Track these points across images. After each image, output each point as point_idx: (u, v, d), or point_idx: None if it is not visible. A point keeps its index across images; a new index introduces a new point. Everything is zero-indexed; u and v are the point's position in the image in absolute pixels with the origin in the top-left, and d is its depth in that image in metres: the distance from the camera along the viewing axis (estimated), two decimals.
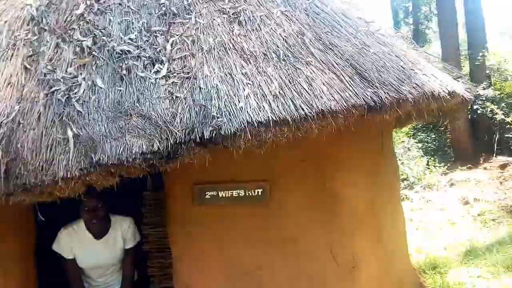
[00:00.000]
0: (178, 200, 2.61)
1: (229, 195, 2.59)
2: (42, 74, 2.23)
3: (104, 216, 2.57)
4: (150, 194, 2.83)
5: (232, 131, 2.01)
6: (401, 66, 2.66)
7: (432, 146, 10.62)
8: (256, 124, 2.03)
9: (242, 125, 2.02)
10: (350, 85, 2.32)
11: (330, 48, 2.59)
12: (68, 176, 1.93)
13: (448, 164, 9.38)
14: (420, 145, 9.98)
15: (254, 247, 2.64)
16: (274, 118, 2.06)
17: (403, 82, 2.48)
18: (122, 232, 2.68)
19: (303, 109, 2.12)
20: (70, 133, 2.02)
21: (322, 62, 2.45)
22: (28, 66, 2.28)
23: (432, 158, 9.07)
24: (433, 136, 11.07)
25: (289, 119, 2.07)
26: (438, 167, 8.67)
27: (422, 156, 9.09)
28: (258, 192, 2.61)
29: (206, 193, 2.57)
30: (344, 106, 2.18)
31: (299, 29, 2.69)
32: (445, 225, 6.31)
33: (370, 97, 2.28)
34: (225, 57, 2.37)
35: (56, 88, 2.16)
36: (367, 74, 2.43)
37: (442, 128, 11.33)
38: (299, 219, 2.67)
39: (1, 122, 2.06)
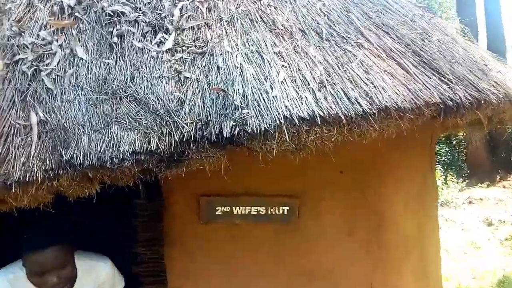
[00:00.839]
0: (179, 215, 2.02)
1: (246, 213, 1.99)
2: (5, 38, 1.64)
3: (72, 277, 1.58)
4: (143, 204, 2.25)
5: (262, 128, 1.42)
6: (472, 59, 2.09)
7: (445, 160, 10.04)
8: (296, 121, 1.44)
9: (277, 121, 1.43)
10: (417, 77, 1.74)
11: (384, 31, 2.01)
12: (28, 178, 1.34)
13: (461, 180, 8.83)
14: None
15: (274, 281, 2.05)
16: (321, 114, 1.47)
17: (480, 79, 1.91)
18: (99, 285, 1.77)
19: (360, 104, 1.53)
20: (34, 119, 1.43)
21: (378, 46, 1.87)
22: None
23: (451, 173, 8.49)
24: (446, 149, 10.49)
25: (342, 116, 1.49)
26: (456, 183, 8.09)
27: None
28: (283, 210, 2.02)
29: (217, 208, 1.97)
30: (415, 103, 1.60)
31: (342, 4, 2.11)
32: (469, 248, 5.73)
33: (446, 93, 1.70)
34: (251, 31, 1.79)
35: (21, 56, 1.57)
36: (436, 65, 1.85)
37: (455, 142, 10.78)
38: (333, 247, 2.08)
39: None
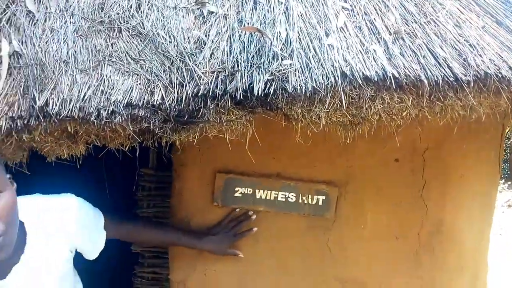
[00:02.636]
0: (190, 192, 1.65)
1: (272, 198, 1.60)
2: None
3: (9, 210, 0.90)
4: (150, 173, 1.91)
5: (309, 86, 1.01)
6: None
7: None
8: (360, 81, 1.01)
9: (332, 79, 1.01)
10: None
11: None
12: None
13: (503, 181, 8.15)
14: None
15: (297, 285, 1.67)
16: (396, 74, 1.03)
17: None
18: (65, 238, 1.10)
19: (450, 68, 1.08)
20: (5, 48, 1.07)
21: None
22: None
23: None
24: None
25: (425, 81, 1.05)
26: None
27: None
28: (318, 200, 1.62)
29: (236, 188, 1.59)
30: None
31: None
32: (508, 254, 5.22)
33: None
34: None
35: None
36: None
37: None
38: (376, 253, 1.67)
39: None
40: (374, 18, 1.17)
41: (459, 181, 1.74)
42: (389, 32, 1.14)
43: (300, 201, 1.63)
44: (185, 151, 1.56)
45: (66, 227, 1.08)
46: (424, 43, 1.13)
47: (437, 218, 1.70)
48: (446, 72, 1.06)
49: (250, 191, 1.61)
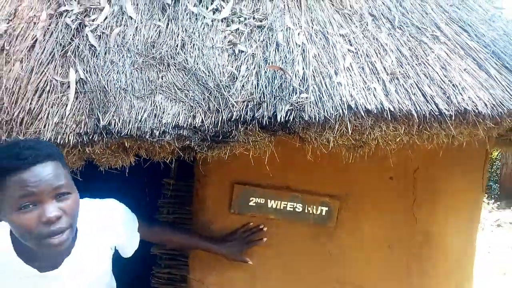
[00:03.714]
0: (210, 200, 1.87)
1: (282, 208, 1.83)
2: None
3: (76, 212, 1.05)
4: (172, 183, 2.13)
5: (322, 116, 1.25)
6: None
7: None
8: (362, 113, 1.26)
9: (340, 111, 1.26)
10: (499, 81, 1.52)
11: (461, 27, 1.78)
12: (59, 140, 1.23)
13: (492, 201, 8.41)
14: None
15: (301, 286, 1.88)
16: (391, 108, 1.28)
17: None
18: (111, 236, 1.26)
19: (436, 103, 1.33)
20: (73, 76, 1.31)
21: (455, 41, 1.65)
22: None
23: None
24: None
25: (415, 114, 1.29)
26: (486, 203, 7.70)
27: None
28: (322, 210, 1.84)
29: (251, 198, 1.82)
30: (497, 110, 1.38)
31: None
32: (494, 272, 5.42)
33: None
34: (316, 8, 1.61)
35: (66, 8, 1.45)
36: None
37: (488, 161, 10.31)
38: (371, 260, 1.89)
39: None
40: (375, 60, 1.42)
41: (445, 197, 1.97)
42: (387, 72, 1.39)
43: (306, 211, 1.85)
44: (207, 163, 1.79)
45: (114, 226, 1.25)
46: (415, 82, 1.38)
47: (426, 229, 1.93)
48: (432, 108, 1.31)
49: (262, 201, 1.83)
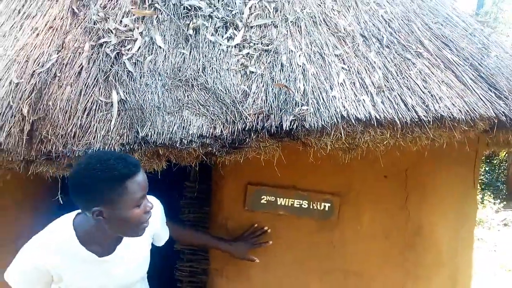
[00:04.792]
0: (226, 199, 2.14)
1: (289, 204, 2.09)
2: (91, 22, 1.82)
3: None
4: (193, 186, 2.40)
5: (319, 124, 1.52)
6: None
7: (484, 179, 9.70)
8: (353, 121, 1.52)
9: (334, 119, 1.52)
10: (474, 90, 1.77)
11: (444, 42, 2.04)
12: (106, 149, 1.51)
13: (498, 201, 8.52)
14: None
15: (308, 274, 2.14)
16: (378, 117, 1.54)
17: None
18: (152, 226, 1.43)
19: (416, 111, 1.59)
20: (115, 97, 1.59)
21: (437, 56, 1.91)
22: (76, 10, 1.88)
23: (488, 193, 8.23)
24: (486, 168, 10.14)
25: (397, 121, 1.55)
26: (492, 203, 7.84)
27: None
28: (325, 206, 2.10)
29: (262, 197, 2.08)
30: (469, 115, 1.64)
31: (404, 13, 2.16)
32: (499, 270, 5.57)
33: (501, 109, 1.72)
34: (314, 32, 1.88)
35: (105, 40, 1.74)
36: (494, 80, 1.87)
37: (496, 161, 10.40)
38: (370, 249, 2.14)
39: (34, 71, 1.66)
40: (364, 76, 1.69)
41: (434, 192, 2.21)
42: (374, 86, 1.65)
43: (311, 207, 2.11)
44: (223, 167, 2.07)
45: (155, 218, 1.43)
46: (398, 94, 1.64)
47: (417, 222, 2.18)
48: (413, 115, 1.57)
49: (273, 199, 2.10)
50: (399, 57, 1.84)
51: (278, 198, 2.09)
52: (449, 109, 1.62)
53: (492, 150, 4.24)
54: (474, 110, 1.67)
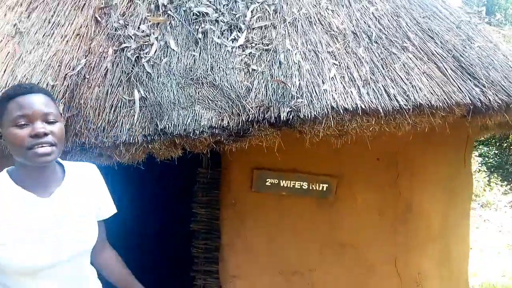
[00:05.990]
0: (234, 183, 2.41)
1: (291, 186, 2.35)
2: (113, 29, 2.08)
3: (61, 139, 1.19)
4: (204, 172, 2.67)
5: (312, 115, 1.76)
6: (510, 66, 2.27)
7: (492, 162, 9.78)
8: (341, 111, 1.76)
9: (325, 110, 1.76)
10: (453, 79, 1.98)
11: (430, 36, 2.24)
12: (130, 141, 1.78)
13: (506, 183, 8.62)
14: (480, 159, 9.20)
15: (308, 246, 2.41)
16: (363, 106, 1.78)
17: None
18: (91, 185, 1.32)
19: (397, 100, 1.82)
20: (137, 95, 1.85)
21: (421, 49, 2.11)
22: (99, 19, 2.13)
23: (495, 175, 8.34)
24: (495, 151, 10.19)
25: (380, 110, 1.78)
26: (500, 186, 7.96)
27: (479, 171, 8.38)
28: (323, 187, 2.36)
29: (267, 179, 2.35)
30: (446, 102, 1.85)
31: (393, 10, 2.36)
32: (503, 249, 5.77)
33: (477, 96, 1.93)
34: (309, 32, 2.11)
35: (126, 45, 2.00)
36: (473, 70, 2.07)
37: (506, 144, 10.44)
38: (364, 224, 2.39)
39: (66, 74, 1.93)
40: (353, 71, 1.91)
41: (423, 172, 2.45)
42: (361, 79, 1.88)
43: (311, 188, 2.37)
44: (231, 154, 2.33)
45: (92, 182, 1.32)
46: (382, 86, 1.86)
47: (408, 199, 2.42)
48: (394, 104, 1.80)
49: (276, 181, 2.36)
50: (386, 52, 2.05)
51: (281, 181, 2.35)
52: (427, 97, 1.84)
53: (493, 133, 4.40)
54: (451, 98, 1.88)
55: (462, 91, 1.92)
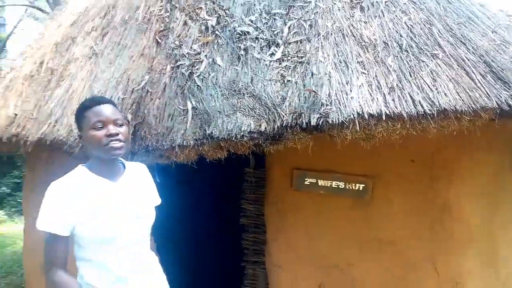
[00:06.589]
0: (277, 182, 2.67)
1: (329, 185, 2.55)
2: (170, 49, 2.44)
3: (128, 139, 1.59)
4: (251, 172, 2.96)
5: (339, 120, 1.96)
6: None
7: None
8: (366, 116, 1.94)
9: (351, 116, 1.95)
10: (481, 84, 2.06)
11: (462, 42, 2.32)
12: (184, 144, 2.11)
13: None
14: None
15: (346, 243, 2.57)
16: (387, 112, 1.94)
17: None
18: (145, 178, 1.68)
19: (422, 106, 1.95)
20: (189, 105, 2.19)
21: (451, 56, 2.21)
22: (159, 40, 2.52)
23: None
24: None
25: (405, 115, 1.93)
26: None
27: None
28: (359, 187, 2.52)
29: (305, 179, 2.57)
30: (472, 107, 1.95)
31: (427, 18, 2.46)
32: None
33: (505, 100, 1.99)
34: (341, 44, 2.30)
35: (181, 62, 2.35)
36: (503, 74, 2.13)
37: None
38: (401, 223, 2.50)
39: (133, 89, 2.32)
40: (380, 79, 2.08)
41: (461, 177, 2.50)
42: (387, 87, 2.04)
43: (347, 187, 2.54)
44: (274, 156, 2.58)
45: (144, 175, 1.67)
46: (408, 93, 2.00)
47: (445, 200, 2.49)
48: (419, 109, 1.93)
49: (314, 180, 2.57)
50: (415, 60, 2.18)
51: (318, 180, 2.56)
52: (452, 102, 1.95)
53: None
54: (477, 102, 1.97)
55: (489, 96, 2.00)
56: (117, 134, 1.48)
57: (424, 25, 2.41)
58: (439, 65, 2.16)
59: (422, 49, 2.25)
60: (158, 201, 1.71)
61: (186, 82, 2.29)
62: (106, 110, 1.50)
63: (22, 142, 2.41)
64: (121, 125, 1.51)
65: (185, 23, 2.59)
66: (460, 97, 1.99)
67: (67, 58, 2.67)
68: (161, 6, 2.73)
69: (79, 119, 1.54)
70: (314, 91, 2.06)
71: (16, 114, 2.52)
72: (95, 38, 2.75)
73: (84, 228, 1.43)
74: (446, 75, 2.10)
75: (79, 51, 2.66)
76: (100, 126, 1.47)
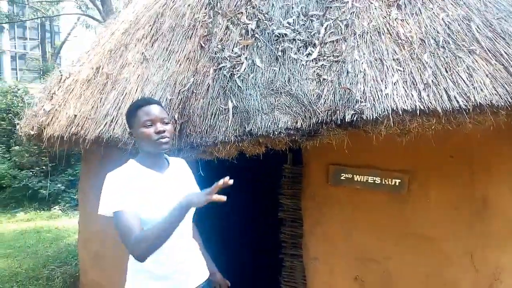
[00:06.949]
0: (314, 177, 2.76)
1: (365, 180, 2.60)
2: (213, 52, 2.62)
3: (172, 136, 1.86)
4: (289, 168, 3.08)
5: (373, 116, 2.03)
6: None
7: None
8: (400, 112, 1.99)
9: (386, 112, 2.01)
10: None
11: (502, 37, 2.29)
12: (226, 140, 2.27)
13: None
14: None
15: (383, 237, 2.62)
16: (422, 108, 1.98)
17: None
18: (186, 171, 1.93)
19: (457, 101, 1.97)
20: (230, 105, 2.35)
21: (489, 51, 2.20)
22: (203, 45, 2.70)
23: None
24: None
25: (440, 110, 1.97)
26: None
27: None
28: (395, 182, 2.56)
29: (341, 174, 2.64)
30: (509, 101, 1.94)
31: (466, 14, 2.45)
32: None
33: None
34: (377, 42, 2.36)
35: (223, 65, 2.52)
36: None
37: None
38: (438, 218, 2.51)
39: (180, 90, 2.52)
40: (415, 75, 2.12)
41: (501, 173, 2.47)
42: (423, 83, 2.07)
43: (383, 182, 2.59)
44: (310, 152, 2.68)
45: (185, 169, 1.93)
46: (443, 88, 2.03)
47: (484, 195, 2.47)
48: (453, 104, 1.96)
49: (350, 176, 2.64)
50: (451, 56, 2.20)
51: (354, 175, 2.63)
52: (488, 97, 1.96)
53: None
54: None
55: None
56: (164, 131, 1.69)
57: (462, 21, 2.40)
58: (476, 61, 2.16)
59: (459, 45, 2.25)
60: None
61: (227, 83, 2.45)
62: (155, 109, 1.71)
63: (81, 140, 2.70)
64: (167, 123, 1.73)
65: (227, 28, 2.75)
66: (497, 92, 1.99)
67: (121, 63, 2.93)
68: (205, 13, 2.92)
69: (130, 118, 1.75)
70: (349, 89, 2.14)
71: (75, 115, 2.82)
72: (146, 44, 2.99)
73: (139, 210, 1.61)
74: (483, 70, 2.10)
75: (131, 57, 2.91)
76: (149, 124, 1.68)
